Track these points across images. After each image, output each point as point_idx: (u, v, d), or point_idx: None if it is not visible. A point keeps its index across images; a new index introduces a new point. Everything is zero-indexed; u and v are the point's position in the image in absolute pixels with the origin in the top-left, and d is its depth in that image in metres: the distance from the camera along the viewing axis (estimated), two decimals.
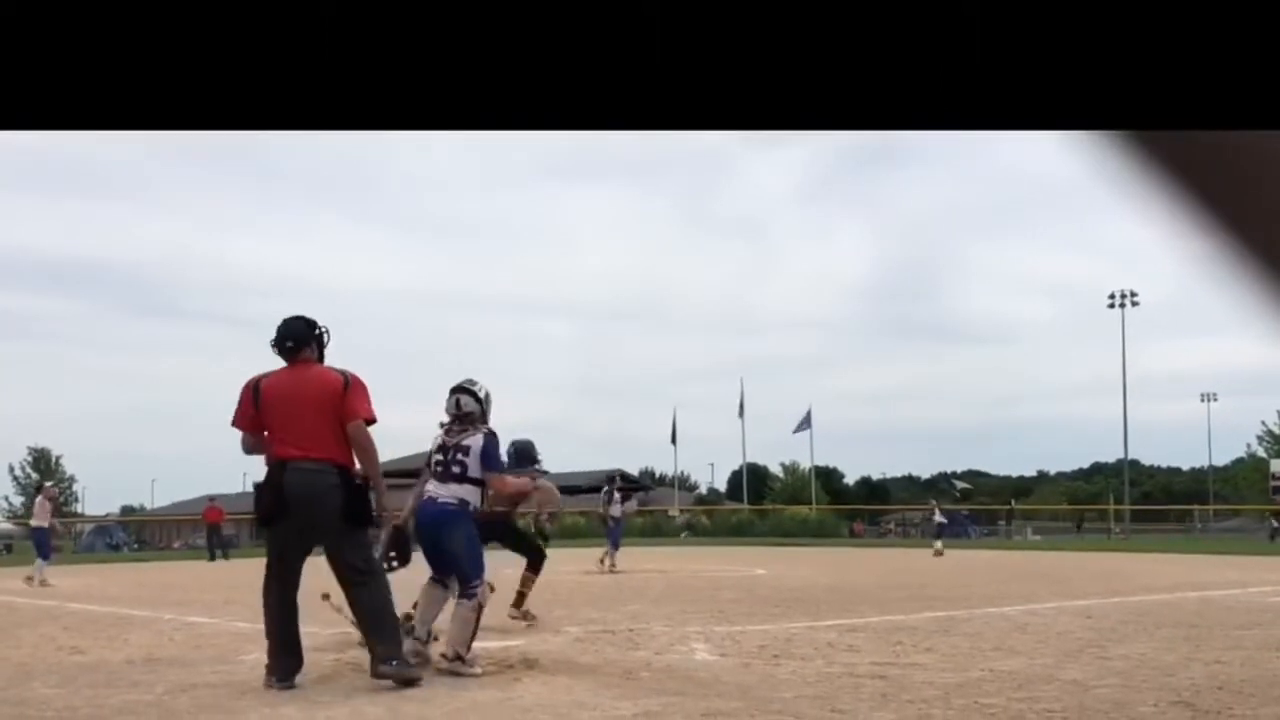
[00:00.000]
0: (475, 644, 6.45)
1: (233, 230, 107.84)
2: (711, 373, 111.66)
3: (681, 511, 52.11)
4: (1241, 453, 60.17)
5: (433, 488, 6.57)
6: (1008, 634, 8.19)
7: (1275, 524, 42.32)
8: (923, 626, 8.81)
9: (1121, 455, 60.20)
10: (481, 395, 6.90)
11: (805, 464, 65.75)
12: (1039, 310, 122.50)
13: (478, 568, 6.51)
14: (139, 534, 54.02)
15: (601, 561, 18.71)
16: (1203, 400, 71.90)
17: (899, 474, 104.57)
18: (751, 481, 62.31)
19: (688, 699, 5.24)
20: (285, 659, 5.77)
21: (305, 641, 6.36)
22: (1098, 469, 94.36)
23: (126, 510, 74.89)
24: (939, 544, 27.17)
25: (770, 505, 57.18)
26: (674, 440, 56.09)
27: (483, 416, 6.87)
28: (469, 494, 6.55)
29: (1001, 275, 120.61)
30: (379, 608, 5.87)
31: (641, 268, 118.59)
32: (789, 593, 13.19)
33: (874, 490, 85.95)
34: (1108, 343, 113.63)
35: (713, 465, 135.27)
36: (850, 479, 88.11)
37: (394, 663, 5.71)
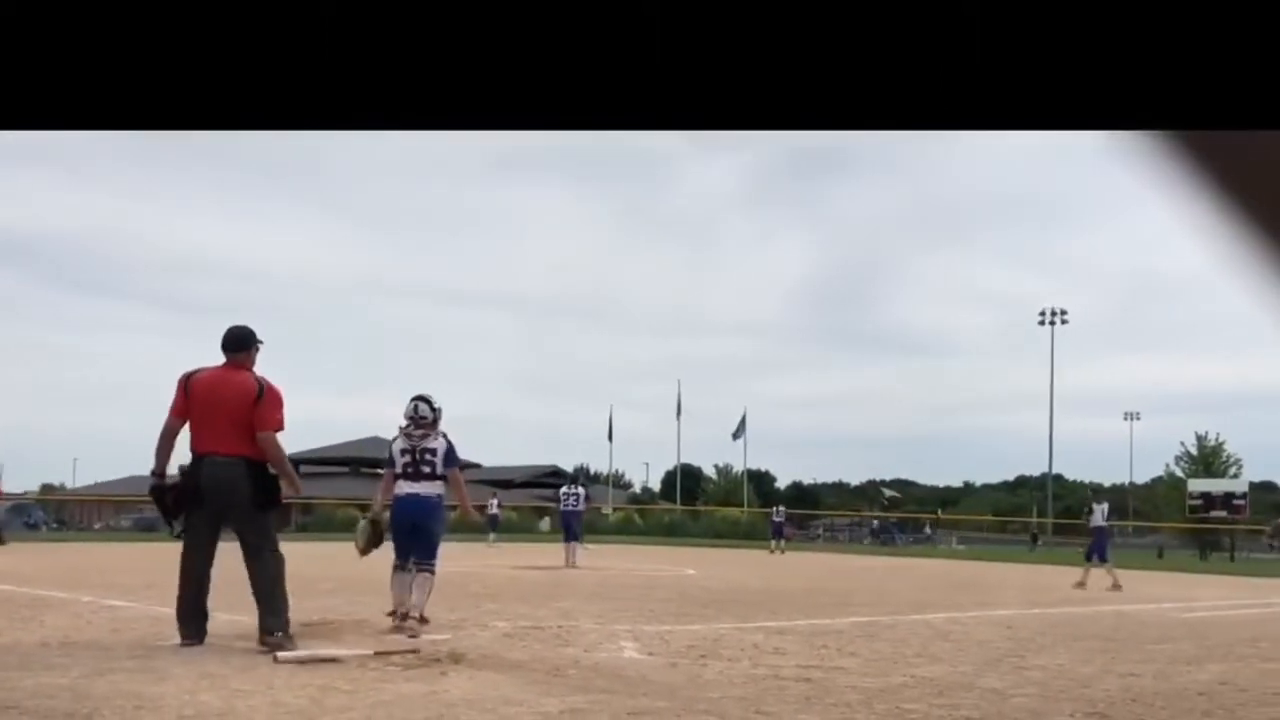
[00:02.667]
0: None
1: (168, 209, 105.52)
2: (649, 372, 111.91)
3: (615, 509, 52.16)
4: (1161, 471, 61.66)
5: (409, 485, 7.89)
6: (930, 641, 8.33)
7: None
8: (848, 631, 8.93)
9: (1046, 469, 61.53)
10: (436, 405, 8.13)
11: (738, 466, 66.25)
12: (972, 323, 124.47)
13: (439, 550, 8.08)
14: (58, 513, 52.67)
15: (570, 560, 19.11)
16: (1125, 419, 73.75)
17: (830, 480, 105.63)
18: (685, 482, 62.57)
19: (615, 697, 5.25)
20: (194, 622, 6.60)
21: (228, 630, 6.42)
22: (1022, 482, 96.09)
23: (46, 489, 72.97)
24: (778, 543, 31.25)
25: (703, 506, 57.45)
26: (610, 438, 56.24)
27: (434, 422, 8.09)
28: (441, 488, 7.98)
29: (937, 287, 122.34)
30: (272, 578, 6.62)
31: (583, 265, 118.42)
32: (719, 594, 13.28)
33: (804, 495, 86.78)
34: (1037, 358, 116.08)
35: (647, 464, 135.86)
36: (782, 483, 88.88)
37: (278, 634, 6.44)
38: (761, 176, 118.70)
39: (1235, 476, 53.35)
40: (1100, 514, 17.88)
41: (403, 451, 7.98)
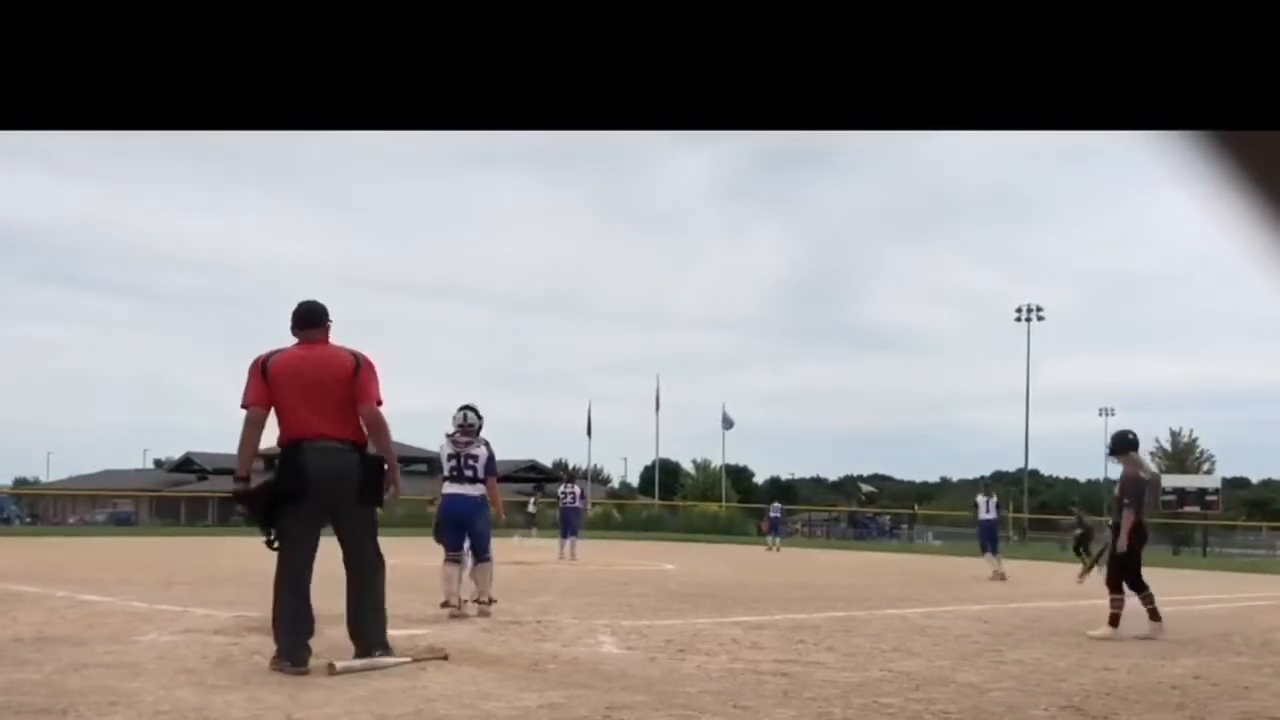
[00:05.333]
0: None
1: (140, 200, 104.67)
2: (627, 367, 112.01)
3: (594, 505, 52.13)
4: None
5: (454, 487, 8.99)
6: (907, 636, 8.37)
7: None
8: (825, 626, 8.96)
9: (1022, 464, 61.92)
10: (481, 415, 9.22)
11: (717, 461, 66.27)
12: (948, 320, 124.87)
13: (490, 541, 9.20)
14: (32, 508, 52.20)
15: (571, 554, 19.68)
16: (1100, 414, 74.16)
17: (807, 475, 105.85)
18: (663, 477, 62.58)
19: (593, 692, 5.25)
20: (301, 641, 5.66)
21: (205, 625, 6.30)
22: (999, 477, 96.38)
23: (20, 483, 72.27)
24: (774, 540, 31.15)
25: (681, 501, 57.49)
26: (589, 433, 56.11)
27: (479, 430, 9.15)
28: (482, 489, 9.07)
29: (914, 283, 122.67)
30: (378, 585, 5.96)
31: (561, 258, 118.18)
32: (697, 588, 13.30)
33: (782, 490, 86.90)
34: (1013, 354, 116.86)
35: (626, 459, 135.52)
36: (760, 478, 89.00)
37: (379, 651, 5.80)
38: (737, 171, 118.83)
39: (1208, 472, 53.91)
40: (985, 506, 18.65)
41: (449, 456, 9.04)
